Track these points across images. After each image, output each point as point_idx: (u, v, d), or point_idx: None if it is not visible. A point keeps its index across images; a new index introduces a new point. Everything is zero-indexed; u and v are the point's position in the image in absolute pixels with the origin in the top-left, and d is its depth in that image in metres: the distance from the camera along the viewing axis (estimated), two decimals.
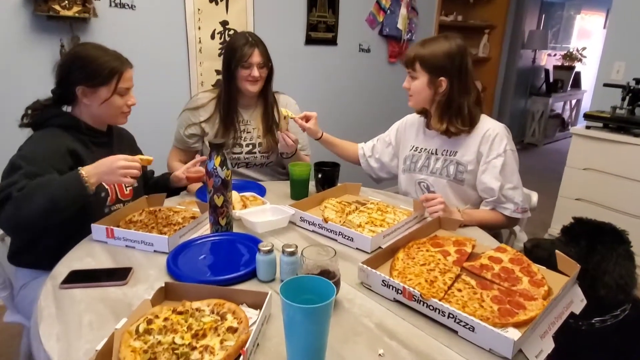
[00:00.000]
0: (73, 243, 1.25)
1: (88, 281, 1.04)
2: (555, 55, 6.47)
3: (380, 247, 1.25)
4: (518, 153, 1.53)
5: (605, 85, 2.75)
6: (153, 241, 1.20)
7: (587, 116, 2.73)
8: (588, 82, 7.06)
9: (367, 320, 0.93)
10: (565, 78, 6.32)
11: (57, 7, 1.97)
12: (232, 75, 1.75)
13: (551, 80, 6.18)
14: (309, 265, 0.96)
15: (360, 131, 2.69)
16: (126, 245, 1.23)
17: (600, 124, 2.75)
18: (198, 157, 1.68)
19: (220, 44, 2.64)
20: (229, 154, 1.83)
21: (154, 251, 1.21)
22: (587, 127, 2.74)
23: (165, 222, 1.35)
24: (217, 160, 1.23)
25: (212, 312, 0.91)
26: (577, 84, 6.69)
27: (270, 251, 1.05)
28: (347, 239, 1.27)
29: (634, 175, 2.58)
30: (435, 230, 1.33)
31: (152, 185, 1.67)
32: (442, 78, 1.46)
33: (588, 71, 6.85)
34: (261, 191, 1.66)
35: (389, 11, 3.42)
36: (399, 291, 0.97)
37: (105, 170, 1.21)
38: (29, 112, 1.40)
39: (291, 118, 1.71)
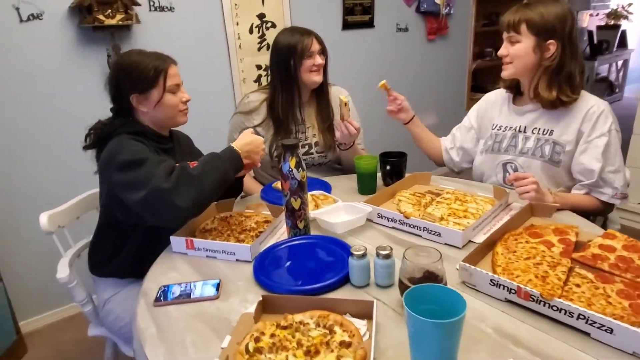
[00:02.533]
0: (150, 252, 1.25)
1: (181, 297, 1.02)
2: (597, 14, 6.08)
3: (470, 241, 1.18)
4: None
5: None
6: (235, 250, 1.17)
7: None
8: (635, 40, 6.64)
9: (483, 325, 0.87)
10: (610, 38, 5.94)
11: (101, 17, 1.96)
12: (293, 73, 1.69)
13: (595, 41, 5.82)
14: (409, 268, 0.90)
15: None
16: (207, 256, 1.21)
17: None
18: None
19: (259, 37, 2.59)
20: None
21: (237, 260, 1.18)
22: None
23: (240, 229, 1.32)
24: (292, 162, 1.18)
25: (318, 325, 0.87)
26: (623, 43, 6.28)
27: (363, 255, 1.00)
28: (434, 234, 1.20)
29: None
30: (528, 218, 1.24)
31: None
32: (551, 41, 1.36)
33: (635, 29, 6.44)
34: (327, 188, 1.60)
35: None
36: (512, 291, 0.90)
37: (253, 149, 1.31)
38: (92, 132, 1.38)
39: (386, 89, 1.63)
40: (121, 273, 1.40)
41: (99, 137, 1.36)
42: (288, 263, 1.12)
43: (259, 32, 2.58)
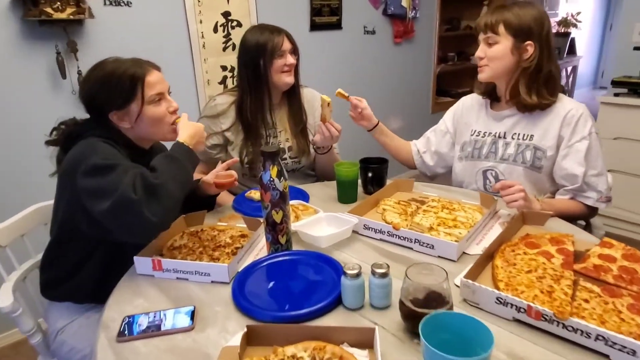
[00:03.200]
0: (115, 273, 1.10)
1: (149, 329, 0.88)
2: None
3: (463, 253, 1.11)
4: None
5: (637, 48, 2.62)
6: (209, 270, 1.04)
7: (615, 83, 2.62)
8: (583, 47, 6.99)
9: (494, 349, 0.79)
10: (561, 45, 6.20)
11: (49, 10, 1.76)
12: (262, 73, 1.57)
13: None
14: (411, 288, 0.82)
15: None
16: (177, 278, 1.07)
17: (625, 90, 2.64)
18: (227, 160, 1.51)
19: (224, 37, 2.45)
20: (257, 163, 1.66)
21: (212, 282, 1.05)
22: (616, 95, 2.63)
23: (213, 245, 1.19)
24: (273, 171, 1.06)
25: (313, 358, 0.76)
26: (572, 50, 6.59)
27: (358, 275, 0.90)
28: (426, 246, 1.12)
29: None
30: (520, 226, 1.19)
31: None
32: (529, 42, 1.33)
33: (582, 36, 6.78)
34: (305, 197, 1.50)
35: None
36: (522, 310, 0.83)
37: (200, 140, 1.20)
38: (62, 126, 1.22)
39: (343, 97, 1.52)
40: (78, 297, 1.23)
41: (66, 135, 1.19)
42: (271, 284, 1.01)
43: (224, 31, 2.44)
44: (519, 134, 1.42)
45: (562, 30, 6.25)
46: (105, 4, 2.02)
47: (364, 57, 3.28)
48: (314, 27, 2.90)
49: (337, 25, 3.02)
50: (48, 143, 1.21)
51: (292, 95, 1.69)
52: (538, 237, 1.10)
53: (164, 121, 1.22)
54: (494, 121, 1.48)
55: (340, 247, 1.19)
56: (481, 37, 1.38)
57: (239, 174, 1.70)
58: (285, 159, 1.70)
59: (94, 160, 1.04)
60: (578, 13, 6.27)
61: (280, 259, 1.10)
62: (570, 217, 1.32)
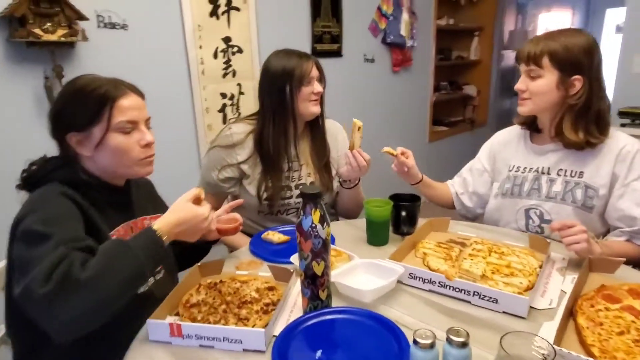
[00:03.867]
0: (111, 337, 0.91)
1: None
2: None
3: (530, 307, 0.97)
4: None
5: None
6: (242, 337, 0.87)
7: (622, 113, 2.59)
8: None
9: None
10: None
11: (37, 32, 1.59)
12: (288, 101, 1.44)
13: None
14: None
15: (368, 145, 2.44)
16: (200, 345, 0.89)
17: (629, 120, 2.63)
18: (231, 202, 1.35)
19: (224, 63, 2.31)
20: (277, 199, 1.50)
21: (243, 350, 0.87)
22: (622, 125, 2.60)
23: (238, 301, 1.01)
24: (315, 216, 0.91)
25: None
26: None
27: (432, 345, 0.75)
28: (488, 300, 0.97)
29: None
30: (586, 275, 1.06)
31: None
32: (576, 76, 1.22)
33: None
34: (331, 239, 1.34)
35: (391, 17, 3.20)
36: None
37: (190, 229, 0.98)
38: (33, 167, 1.04)
39: (393, 155, 1.40)
40: None
41: (27, 179, 1.01)
42: (319, 353, 0.84)
43: (224, 57, 2.31)
44: (566, 171, 1.31)
45: None
46: (99, 26, 1.87)
47: (363, 85, 3.20)
48: (315, 54, 2.80)
49: (337, 53, 2.93)
50: (18, 187, 1.02)
51: (316, 126, 1.55)
52: (615, 288, 0.97)
53: (130, 156, 1.01)
54: (536, 155, 1.38)
55: (386, 301, 1.03)
56: (523, 68, 1.28)
57: (254, 213, 1.54)
58: None
59: (30, 223, 0.86)
60: None
61: (324, 318, 0.93)
62: (626, 262, 1.20)
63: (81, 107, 0.98)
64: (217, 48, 2.27)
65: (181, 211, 0.96)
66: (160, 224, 0.92)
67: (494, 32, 4.56)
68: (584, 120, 1.25)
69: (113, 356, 0.90)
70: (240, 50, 2.36)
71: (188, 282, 1.07)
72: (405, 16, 3.27)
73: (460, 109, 4.71)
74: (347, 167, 1.41)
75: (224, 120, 2.37)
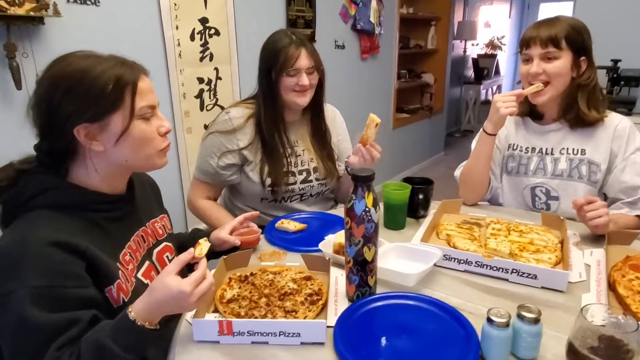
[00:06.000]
0: None
1: None
2: (477, 44, 6.80)
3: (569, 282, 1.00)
4: (457, 140, 1.42)
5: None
6: (300, 330, 0.82)
7: None
8: (503, 68, 7.60)
9: None
10: (489, 66, 6.68)
11: (3, 4, 1.40)
12: (274, 85, 1.37)
13: (479, 68, 6.48)
14: (588, 332, 0.68)
15: None
16: (252, 342, 0.83)
17: None
18: (246, 214, 1.22)
19: (201, 45, 2.18)
20: (281, 186, 1.44)
21: (301, 343, 0.83)
22: None
23: (277, 293, 0.96)
24: (369, 199, 0.88)
25: None
26: (497, 70, 7.12)
27: (507, 324, 0.75)
28: (527, 276, 1.00)
29: None
30: (605, 247, 1.12)
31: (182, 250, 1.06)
32: (582, 57, 1.29)
33: (504, 58, 7.37)
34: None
35: (360, 3, 3.18)
36: None
37: (172, 310, 0.80)
38: (13, 169, 0.85)
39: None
40: None
41: (8, 204, 0.83)
42: (383, 340, 0.81)
43: (201, 39, 2.17)
44: (568, 149, 1.38)
45: (490, 52, 6.73)
46: (68, 1, 1.68)
47: (334, 71, 3.16)
48: None
49: (311, 38, 2.87)
50: (2, 202, 0.84)
51: (315, 114, 1.50)
52: (638, 258, 1.03)
53: (151, 145, 0.89)
54: (537, 135, 1.42)
55: (426, 284, 1.02)
56: (536, 52, 1.30)
57: (257, 200, 1.48)
58: (311, 181, 1.50)
59: (18, 303, 0.72)
60: (502, 37, 6.81)
61: (377, 304, 0.91)
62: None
63: (94, 91, 0.81)
64: (194, 29, 2.14)
65: (159, 290, 0.77)
66: (138, 309, 0.77)
67: (449, 21, 4.70)
68: (593, 97, 1.33)
69: None
70: (217, 33, 2.24)
71: (217, 277, 1.00)
72: (373, 3, 3.27)
73: (418, 96, 4.83)
74: (359, 160, 1.37)
75: (202, 107, 2.25)
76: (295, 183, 1.47)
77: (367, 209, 0.87)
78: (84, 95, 0.81)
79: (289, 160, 1.46)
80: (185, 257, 0.82)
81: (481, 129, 1.41)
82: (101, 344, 0.73)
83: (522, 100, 1.38)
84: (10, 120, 1.57)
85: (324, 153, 1.50)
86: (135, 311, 0.76)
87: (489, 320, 0.75)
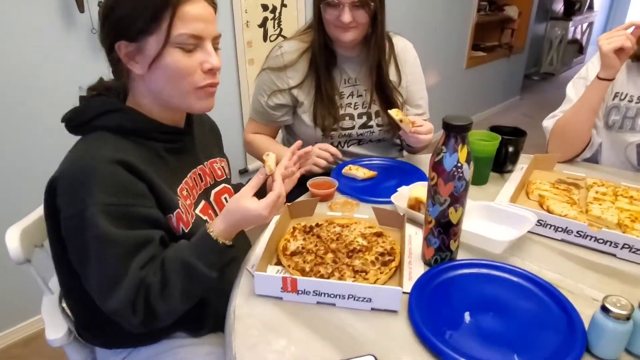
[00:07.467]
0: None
1: None
2: None
3: None
4: (535, 84, 1.14)
5: None
6: (373, 295, 0.73)
7: None
8: (598, 2, 6.64)
9: None
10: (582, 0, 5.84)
11: None
12: (320, 15, 1.20)
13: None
14: None
15: None
16: (318, 302, 0.76)
17: None
18: (292, 147, 1.02)
19: None
20: (336, 129, 1.31)
21: (372, 309, 0.74)
22: None
23: (345, 249, 0.87)
24: (462, 154, 0.74)
25: None
26: (591, 5, 6.24)
27: (629, 317, 0.61)
28: (638, 252, 0.84)
29: None
30: None
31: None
32: None
33: None
34: (422, 176, 1.18)
35: None
36: None
37: (250, 225, 0.79)
38: (93, 92, 0.84)
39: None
40: (135, 340, 0.90)
41: (69, 118, 0.80)
42: (467, 317, 0.71)
43: None
44: None
45: None
46: None
47: (404, 1, 2.87)
48: None
49: None
50: (64, 120, 0.81)
51: (376, 48, 1.27)
52: None
53: (188, 80, 0.78)
54: None
55: (515, 252, 0.89)
56: None
57: (312, 144, 1.32)
58: (372, 126, 1.34)
59: (93, 213, 0.69)
60: None
61: (459, 272, 0.80)
62: None
63: (135, 8, 0.74)
64: None
65: (237, 213, 0.77)
66: (219, 229, 0.76)
67: None
68: None
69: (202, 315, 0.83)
70: None
71: (280, 226, 0.92)
72: None
73: (497, 32, 4.34)
74: (413, 140, 1.19)
75: (265, 37, 2.10)
76: (353, 128, 1.33)
77: (459, 165, 0.74)
78: (128, 9, 0.74)
79: (346, 101, 1.31)
80: (258, 178, 0.79)
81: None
82: (188, 263, 0.73)
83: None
84: (73, 41, 1.53)
85: (385, 101, 1.32)
86: (216, 231, 0.76)
87: (604, 309, 0.62)
